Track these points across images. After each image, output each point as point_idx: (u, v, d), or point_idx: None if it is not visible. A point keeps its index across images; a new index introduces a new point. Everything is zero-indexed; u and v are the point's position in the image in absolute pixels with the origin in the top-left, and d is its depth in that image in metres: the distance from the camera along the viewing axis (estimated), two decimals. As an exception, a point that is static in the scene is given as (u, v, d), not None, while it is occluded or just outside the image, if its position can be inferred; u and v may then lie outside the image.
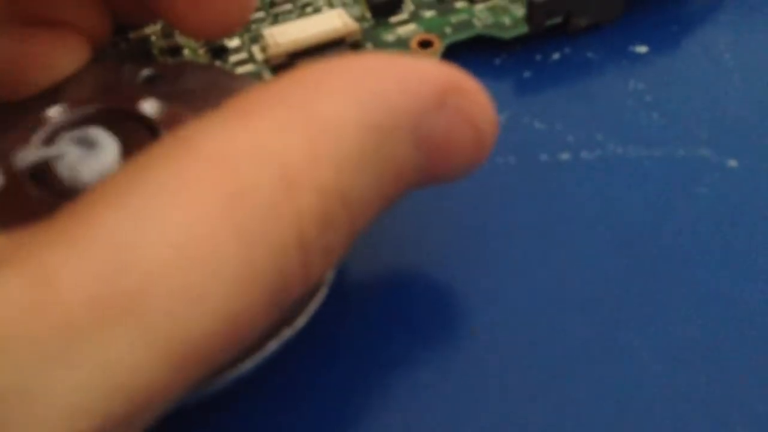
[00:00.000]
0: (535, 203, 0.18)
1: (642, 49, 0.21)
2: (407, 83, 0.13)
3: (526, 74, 0.21)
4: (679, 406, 0.15)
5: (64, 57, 0.17)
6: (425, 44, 0.21)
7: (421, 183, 0.14)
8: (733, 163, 0.19)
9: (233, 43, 0.21)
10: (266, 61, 0.20)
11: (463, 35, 0.21)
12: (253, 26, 0.22)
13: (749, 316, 0.16)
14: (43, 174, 0.14)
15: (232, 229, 0.11)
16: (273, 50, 0.20)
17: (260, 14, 0.22)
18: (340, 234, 0.12)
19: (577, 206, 0.18)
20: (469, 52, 0.21)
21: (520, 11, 0.21)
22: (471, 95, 0.13)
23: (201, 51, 0.21)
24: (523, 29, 0.21)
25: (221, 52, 0.21)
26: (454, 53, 0.21)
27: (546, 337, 0.16)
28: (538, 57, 0.21)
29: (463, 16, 0.21)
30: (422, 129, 0.13)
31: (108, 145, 0.14)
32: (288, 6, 0.22)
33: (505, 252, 0.17)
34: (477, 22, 0.21)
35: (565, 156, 0.19)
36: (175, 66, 0.18)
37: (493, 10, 0.22)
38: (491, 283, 0.17)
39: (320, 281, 0.14)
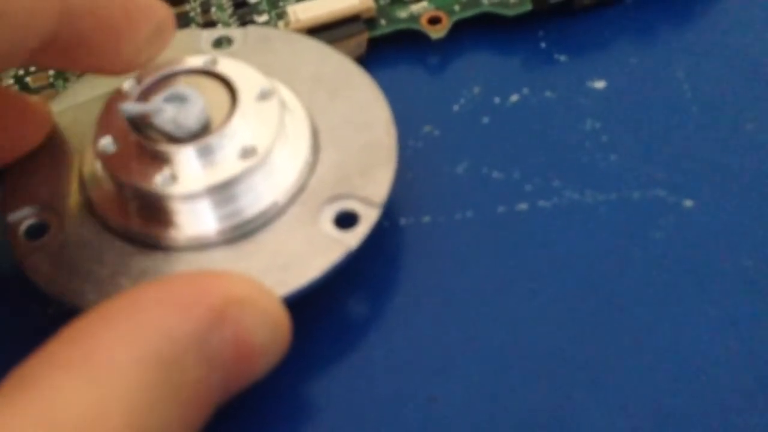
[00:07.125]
0: (492, 259, 0.18)
1: (600, 84, 0.21)
2: (184, 308, 0.13)
3: (485, 120, 0.21)
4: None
5: (27, 134, 0.18)
6: (434, 21, 0.22)
7: (231, 392, 0.14)
8: (688, 203, 0.19)
9: (262, 18, 0.23)
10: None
11: (469, 12, 0.22)
12: (281, 3, 0.23)
13: (704, 371, 0.16)
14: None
15: None
16: (294, 26, 0.22)
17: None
18: None
19: (534, 259, 0.18)
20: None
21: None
22: (249, 304, 0.14)
23: (233, 25, 0.23)
24: (527, 7, 0.22)
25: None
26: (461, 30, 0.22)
27: (506, 401, 0.16)
28: (497, 100, 0.21)
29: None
30: (210, 347, 0.13)
31: (195, 98, 0.17)
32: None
33: (463, 312, 0.18)
34: (484, 0, 0.22)
35: (522, 206, 0.19)
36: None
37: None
38: (450, 345, 0.17)
39: None
